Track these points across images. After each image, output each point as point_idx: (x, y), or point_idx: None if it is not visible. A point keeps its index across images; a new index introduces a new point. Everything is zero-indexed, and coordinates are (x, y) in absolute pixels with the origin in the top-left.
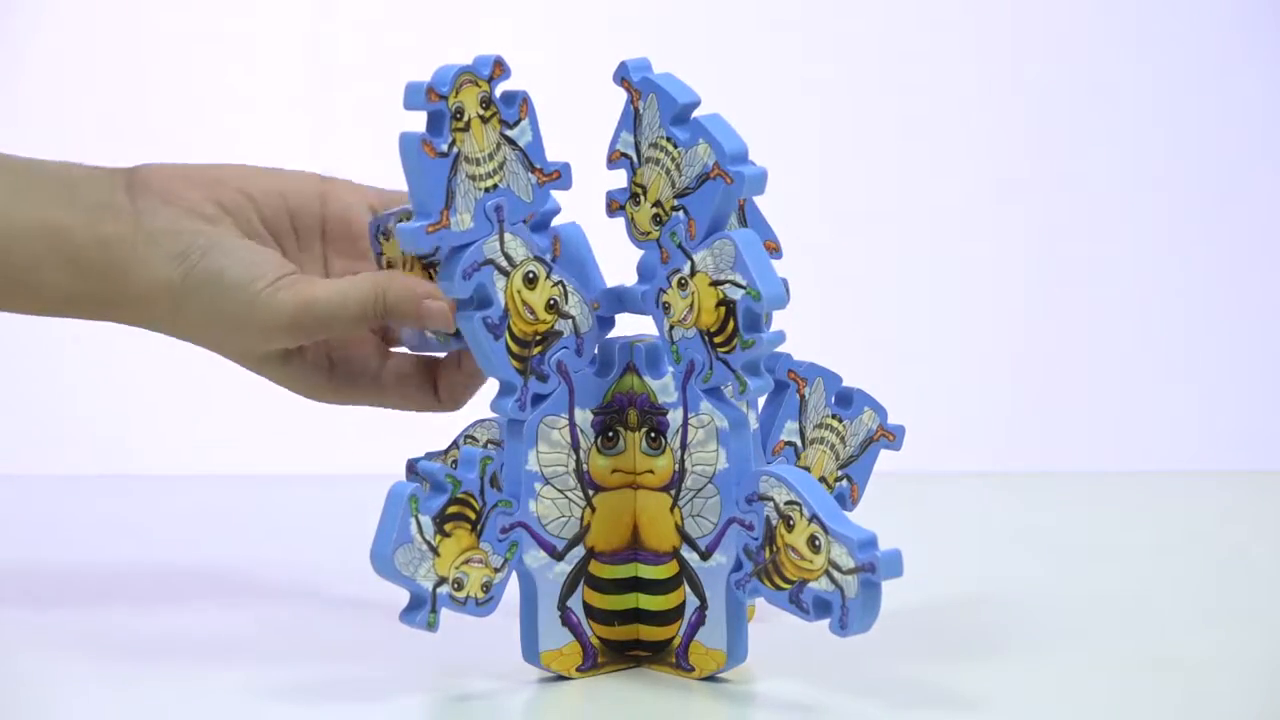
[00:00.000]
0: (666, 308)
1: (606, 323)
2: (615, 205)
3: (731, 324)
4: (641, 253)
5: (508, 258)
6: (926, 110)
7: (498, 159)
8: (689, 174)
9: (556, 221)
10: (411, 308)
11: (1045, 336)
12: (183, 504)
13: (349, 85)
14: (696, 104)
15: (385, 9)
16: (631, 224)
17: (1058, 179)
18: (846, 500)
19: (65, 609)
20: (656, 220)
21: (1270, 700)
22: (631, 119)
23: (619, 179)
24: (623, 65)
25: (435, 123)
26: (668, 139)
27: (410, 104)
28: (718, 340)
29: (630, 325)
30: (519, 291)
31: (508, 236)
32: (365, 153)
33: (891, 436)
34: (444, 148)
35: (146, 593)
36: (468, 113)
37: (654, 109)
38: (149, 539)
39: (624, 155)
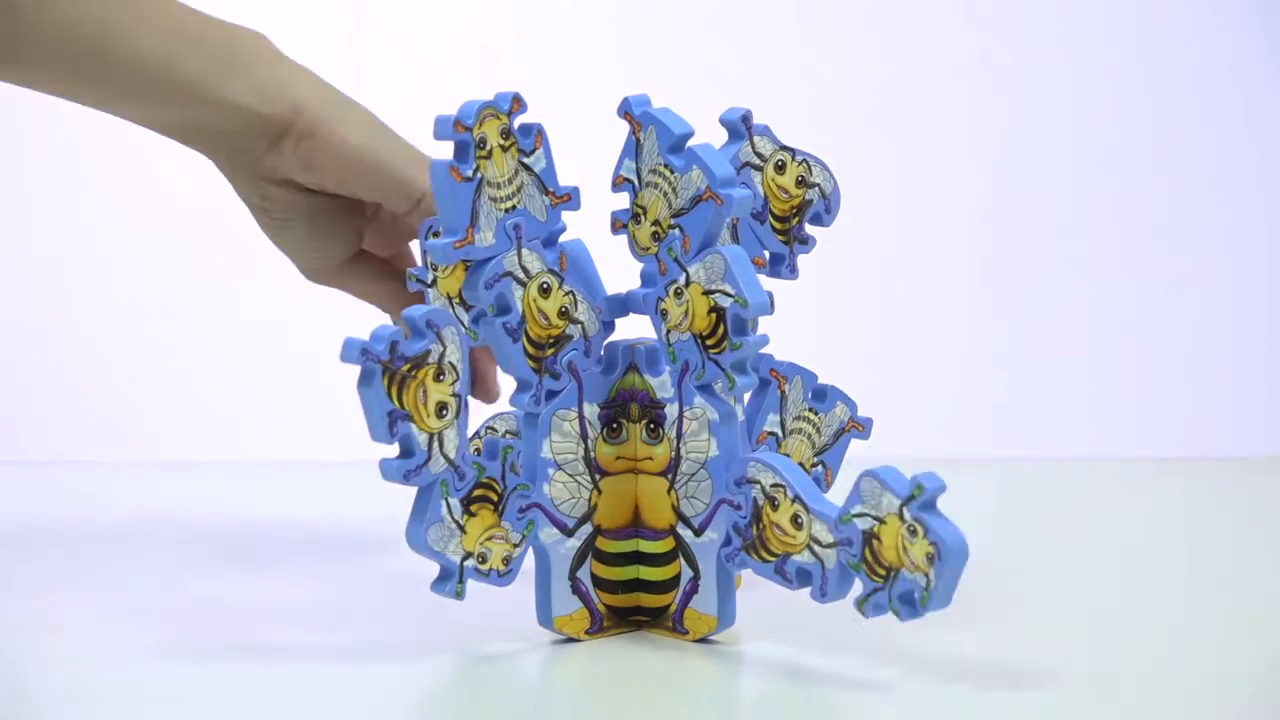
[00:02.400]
0: (664, 314)
1: (607, 326)
2: (619, 224)
3: (721, 328)
4: (640, 265)
5: (525, 270)
6: (906, 106)
7: (516, 183)
8: (684, 196)
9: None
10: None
11: (1009, 329)
12: (212, 488)
13: (382, 103)
14: (690, 135)
15: (417, 55)
16: (633, 240)
17: (1042, 173)
18: (821, 484)
19: (112, 587)
20: (655, 237)
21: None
22: (633, 148)
23: (622, 201)
24: (625, 100)
25: (461, 151)
26: (665, 165)
27: (439, 135)
28: (709, 343)
29: (631, 329)
30: (534, 300)
31: (525, 252)
32: None
33: (861, 427)
34: (469, 173)
35: (195, 568)
36: (490, 142)
37: (653, 139)
38: (186, 522)
39: (627, 180)
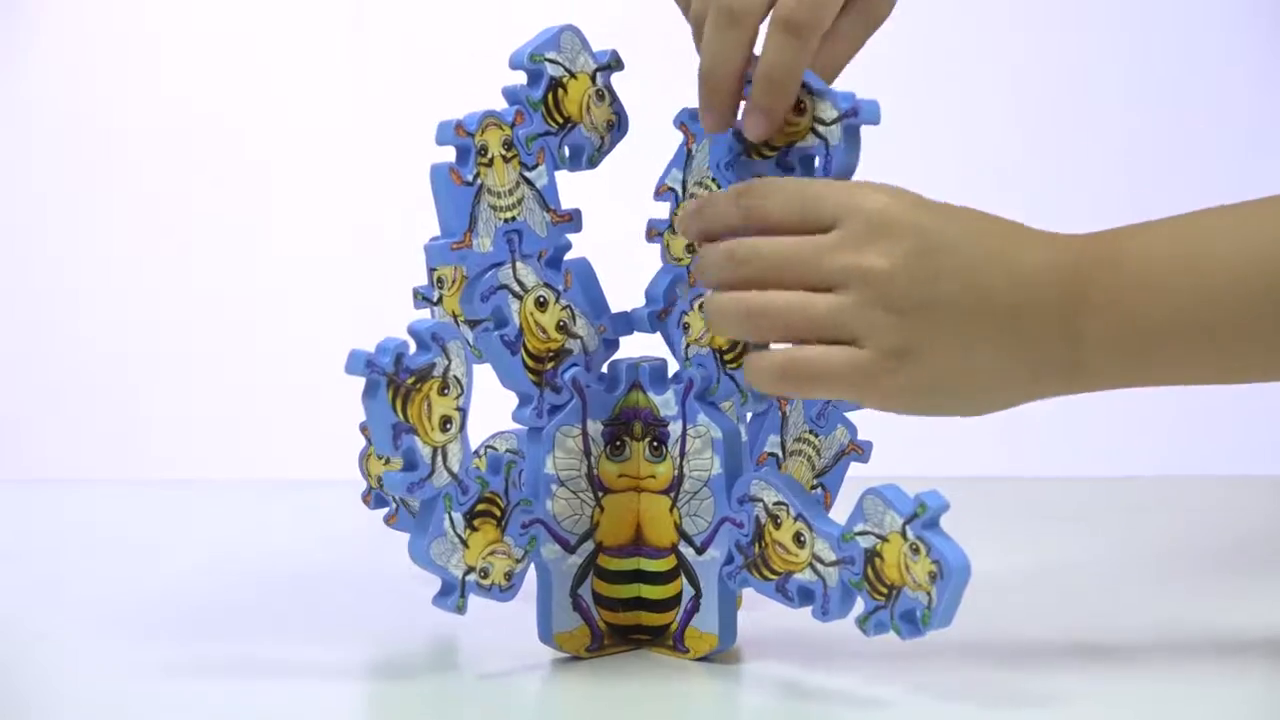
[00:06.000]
0: (686, 327)
1: (612, 345)
2: (654, 232)
3: (740, 345)
4: (646, 281)
5: (520, 284)
6: (909, 122)
7: (517, 195)
8: None
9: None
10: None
11: None
12: (211, 506)
13: (384, 121)
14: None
15: (418, 62)
16: (666, 250)
17: (1044, 187)
18: (820, 505)
19: (112, 605)
20: (689, 249)
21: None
22: (683, 159)
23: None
24: (683, 111)
25: (462, 155)
26: (713, 179)
27: (441, 139)
28: (727, 358)
29: (636, 347)
30: (532, 313)
31: (520, 265)
32: (401, 182)
33: (860, 450)
34: (469, 177)
35: (194, 586)
36: (491, 150)
37: (705, 153)
38: (185, 539)
39: (671, 189)
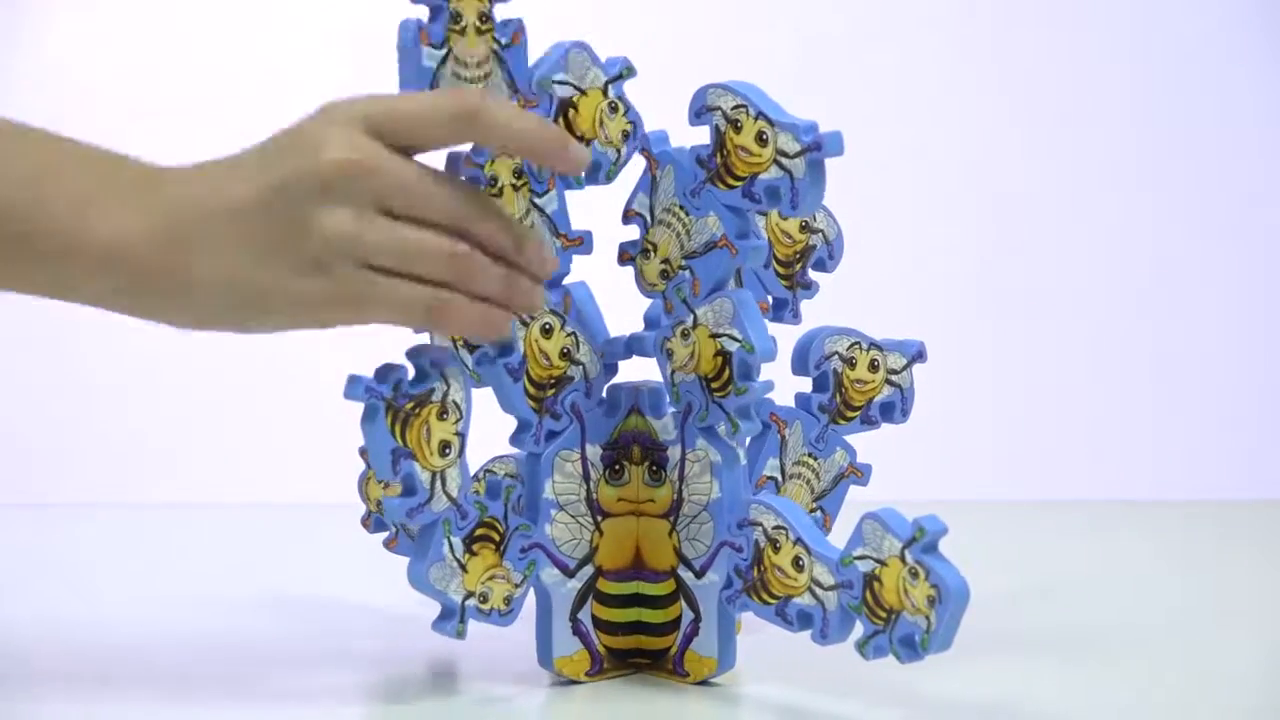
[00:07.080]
0: (670, 354)
1: (611, 369)
2: (626, 256)
3: (727, 372)
4: (648, 304)
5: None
6: (906, 148)
7: (527, 222)
8: (698, 240)
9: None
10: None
11: (1010, 372)
12: (213, 530)
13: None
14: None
15: None
16: (640, 275)
17: (1043, 216)
18: (820, 529)
19: (113, 629)
20: (664, 275)
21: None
22: (648, 184)
23: (630, 230)
24: (644, 136)
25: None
26: (680, 207)
27: (451, 170)
28: (714, 386)
29: (634, 371)
30: (537, 340)
31: None
32: None
33: (860, 473)
34: None
35: (196, 610)
36: (501, 180)
37: (670, 179)
38: (187, 564)
39: (638, 214)
